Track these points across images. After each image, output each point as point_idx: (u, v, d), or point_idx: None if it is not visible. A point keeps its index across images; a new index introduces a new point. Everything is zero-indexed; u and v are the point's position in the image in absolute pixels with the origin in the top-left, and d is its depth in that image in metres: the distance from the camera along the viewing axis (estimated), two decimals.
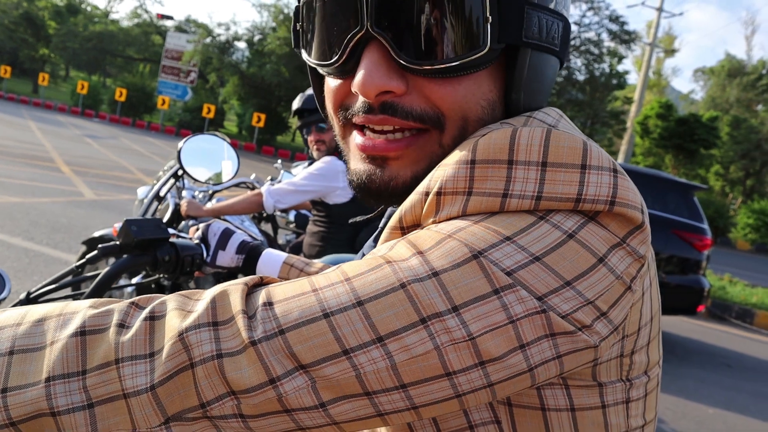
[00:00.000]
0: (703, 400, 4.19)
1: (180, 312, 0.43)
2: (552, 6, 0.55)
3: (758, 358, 5.76)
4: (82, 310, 0.44)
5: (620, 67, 30.12)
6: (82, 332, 0.43)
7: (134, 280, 2.17)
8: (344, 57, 0.54)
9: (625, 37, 25.81)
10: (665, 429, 3.55)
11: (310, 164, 3.22)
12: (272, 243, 3.34)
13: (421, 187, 0.49)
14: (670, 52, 35.85)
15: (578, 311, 0.43)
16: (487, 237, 0.44)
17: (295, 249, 3.54)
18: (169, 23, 35.44)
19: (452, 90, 0.53)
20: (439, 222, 0.47)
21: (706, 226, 5.40)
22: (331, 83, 0.58)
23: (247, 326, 0.42)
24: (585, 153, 0.46)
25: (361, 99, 0.55)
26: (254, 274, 1.10)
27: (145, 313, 0.44)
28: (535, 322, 0.42)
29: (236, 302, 0.43)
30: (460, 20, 0.51)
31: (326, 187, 2.92)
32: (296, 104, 3.08)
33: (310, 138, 3.05)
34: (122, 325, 0.43)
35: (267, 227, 3.91)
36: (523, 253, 0.43)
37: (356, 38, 0.52)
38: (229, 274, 2.71)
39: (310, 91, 3.11)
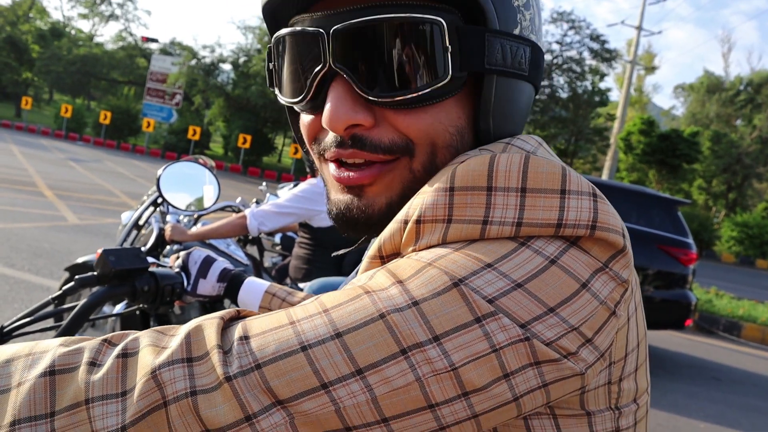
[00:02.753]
0: (694, 414, 4.19)
1: (153, 348, 0.42)
2: (516, 32, 0.56)
3: (747, 371, 5.78)
4: (52, 348, 0.43)
5: (602, 85, 30.60)
6: (51, 372, 0.41)
7: (117, 309, 2.13)
8: (311, 94, 0.55)
9: (606, 56, 26.31)
10: None
11: (295, 185, 3.19)
12: (258, 266, 3.31)
13: (399, 216, 0.49)
14: (651, 69, 36.54)
15: (563, 338, 0.42)
16: (467, 264, 0.43)
17: (281, 271, 3.51)
18: (153, 46, 35.50)
19: (419, 119, 0.53)
20: (419, 250, 0.46)
21: (690, 240, 5.45)
22: (304, 119, 0.60)
23: (222, 361, 0.41)
24: (564, 178, 0.46)
25: (331, 133, 0.56)
26: (236, 302, 1.08)
27: (117, 350, 0.43)
28: (519, 350, 0.41)
29: (211, 337, 0.42)
30: (419, 52, 0.52)
31: (310, 210, 2.90)
32: None
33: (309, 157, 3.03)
34: (93, 363, 0.42)
35: (253, 250, 3.88)
36: (505, 279, 0.42)
37: (320, 75, 0.54)
38: (212, 302, 2.67)
39: None
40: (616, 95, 34.98)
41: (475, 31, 0.52)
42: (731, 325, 7.42)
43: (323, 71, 0.54)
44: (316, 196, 2.90)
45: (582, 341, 0.43)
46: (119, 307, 2.09)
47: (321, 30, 0.53)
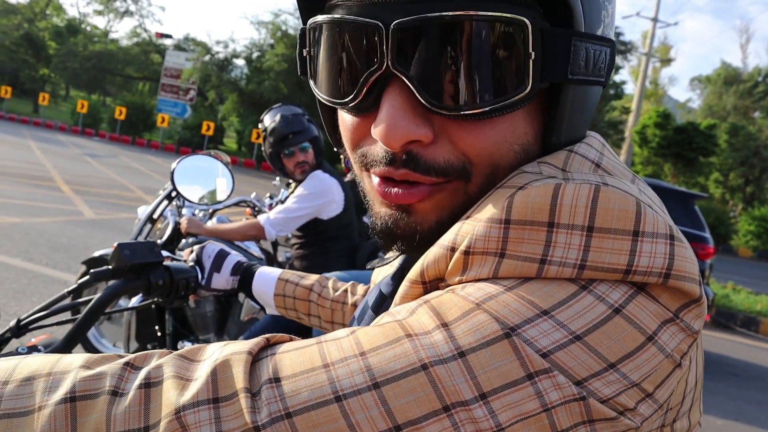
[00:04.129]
0: (712, 411, 4.14)
1: (178, 381, 0.40)
2: (600, 32, 0.50)
3: (765, 367, 5.70)
4: (73, 370, 0.41)
5: (617, 78, 30.25)
6: (72, 398, 0.39)
7: (132, 302, 2.15)
8: (360, 97, 0.48)
9: (621, 48, 26.01)
10: None
11: (296, 185, 3.09)
12: (272, 260, 3.32)
13: (445, 241, 0.44)
14: (666, 61, 36.06)
15: (621, 395, 0.39)
16: (520, 309, 0.39)
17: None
18: (168, 42, 35.67)
19: (483, 135, 0.47)
20: (466, 282, 0.42)
21: (707, 234, 5.38)
22: (347, 119, 0.53)
23: (250, 407, 0.38)
24: (638, 217, 0.41)
25: (381, 146, 0.49)
26: (250, 294, 1.08)
27: (140, 379, 0.40)
28: (573, 409, 0.38)
29: (239, 376, 0.40)
30: (498, 56, 0.45)
31: (322, 204, 2.89)
32: (284, 128, 2.85)
33: (295, 160, 2.89)
34: (115, 393, 0.40)
35: (267, 244, 3.89)
36: (562, 330, 0.38)
37: (374, 77, 0.47)
38: (227, 295, 2.68)
39: (278, 108, 2.95)
40: (631, 88, 34.59)
41: (562, 34, 0.45)
42: (749, 320, 7.33)
43: (378, 73, 0.46)
44: (324, 188, 2.89)
45: (642, 396, 0.40)
46: (135, 300, 2.10)
47: (379, 23, 0.45)
